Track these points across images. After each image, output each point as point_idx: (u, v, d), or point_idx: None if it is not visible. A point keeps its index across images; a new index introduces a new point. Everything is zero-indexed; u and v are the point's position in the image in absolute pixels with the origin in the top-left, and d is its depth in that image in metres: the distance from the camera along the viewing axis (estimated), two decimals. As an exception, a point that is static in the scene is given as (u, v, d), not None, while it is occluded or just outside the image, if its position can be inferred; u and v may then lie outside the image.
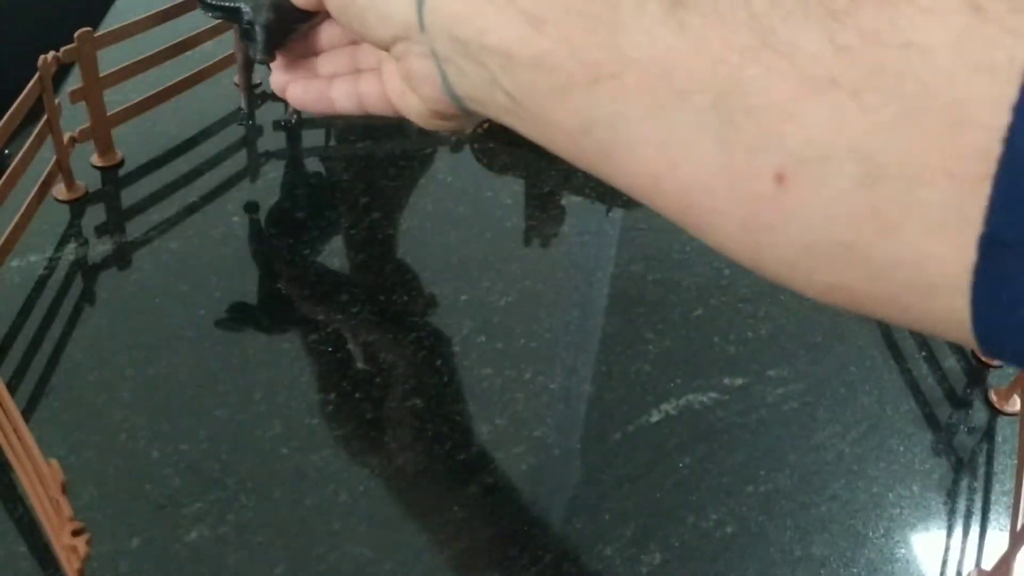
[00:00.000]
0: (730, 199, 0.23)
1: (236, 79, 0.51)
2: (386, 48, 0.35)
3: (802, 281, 0.23)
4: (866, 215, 0.20)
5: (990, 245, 0.18)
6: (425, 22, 0.31)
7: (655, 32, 0.24)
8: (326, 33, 0.42)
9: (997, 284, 0.19)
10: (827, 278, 0.22)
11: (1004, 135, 0.18)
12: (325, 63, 0.42)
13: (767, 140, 0.22)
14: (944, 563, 0.38)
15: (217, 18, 0.46)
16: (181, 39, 0.52)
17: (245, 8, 0.44)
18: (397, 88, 0.36)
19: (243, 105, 0.51)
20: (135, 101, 0.52)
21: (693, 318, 0.47)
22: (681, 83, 0.23)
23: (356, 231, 0.50)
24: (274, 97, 0.57)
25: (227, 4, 0.45)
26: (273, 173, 0.54)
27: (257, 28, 0.43)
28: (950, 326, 0.20)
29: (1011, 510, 0.40)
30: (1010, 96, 0.18)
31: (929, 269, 0.20)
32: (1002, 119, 0.18)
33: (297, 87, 0.42)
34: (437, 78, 0.32)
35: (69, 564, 0.27)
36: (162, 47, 0.51)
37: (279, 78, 0.42)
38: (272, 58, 0.43)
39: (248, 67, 0.49)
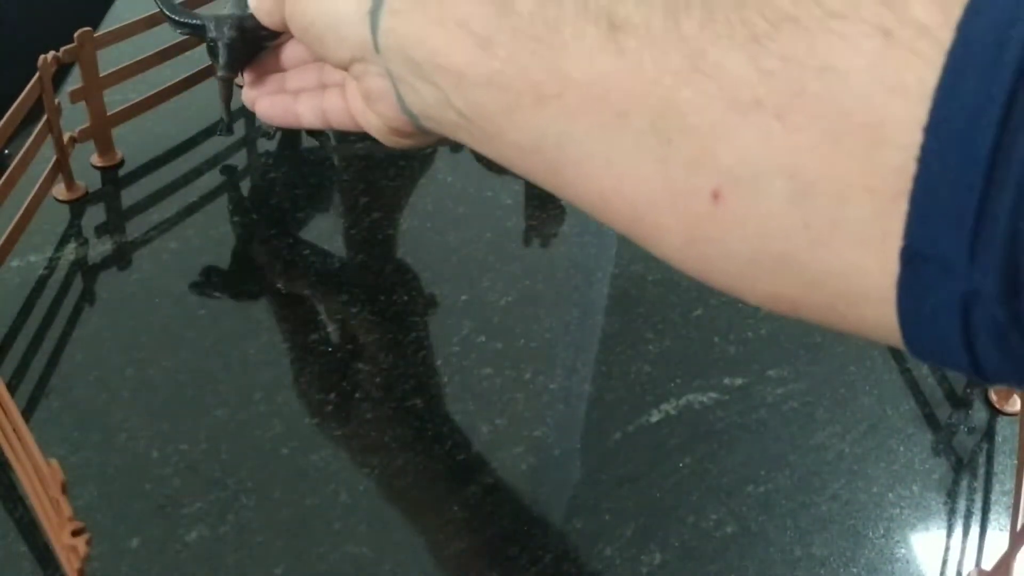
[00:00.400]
0: (672, 215, 0.24)
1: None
2: (345, 68, 0.36)
3: (746, 290, 0.24)
4: (798, 229, 0.21)
5: (910, 257, 0.19)
6: (380, 44, 0.32)
7: (594, 55, 0.25)
8: (294, 50, 0.44)
9: (919, 294, 0.20)
10: (768, 288, 0.23)
11: (917, 154, 0.18)
12: (292, 79, 0.44)
13: (703, 159, 0.22)
14: (944, 563, 0.38)
15: (184, 34, 0.47)
16: (181, 39, 0.52)
17: (209, 25, 0.45)
18: (359, 105, 0.38)
19: (222, 114, 0.52)
20: (135, 101, 0.52)
21: (693, 318, 0.47)
22: (620, 104, 0.24)
23: (356, 231, 0.50)
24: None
25: (193, 21, 0.46)
26: (273, 173, 0.54)
27: (220, 45, 0.44)
28: (882, 332, 0.21)
29: (1011, 510, 0.40)
30: (921, 117, 0.18)
31: (858, 280, 0.21)
32: (915, 138, 0.18)
33: (265, 101, 0.43)
34: (393, 97, 0.34)
35: (69, 564, 0.27)
36: (162, 47, 0.51)
37: (249, 93, 0.44)
38: (233, 74, 0.45)
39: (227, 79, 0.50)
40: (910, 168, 0.19)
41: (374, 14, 0.32)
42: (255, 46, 0.45)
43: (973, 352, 0.20)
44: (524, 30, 0.27)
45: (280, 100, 0.43)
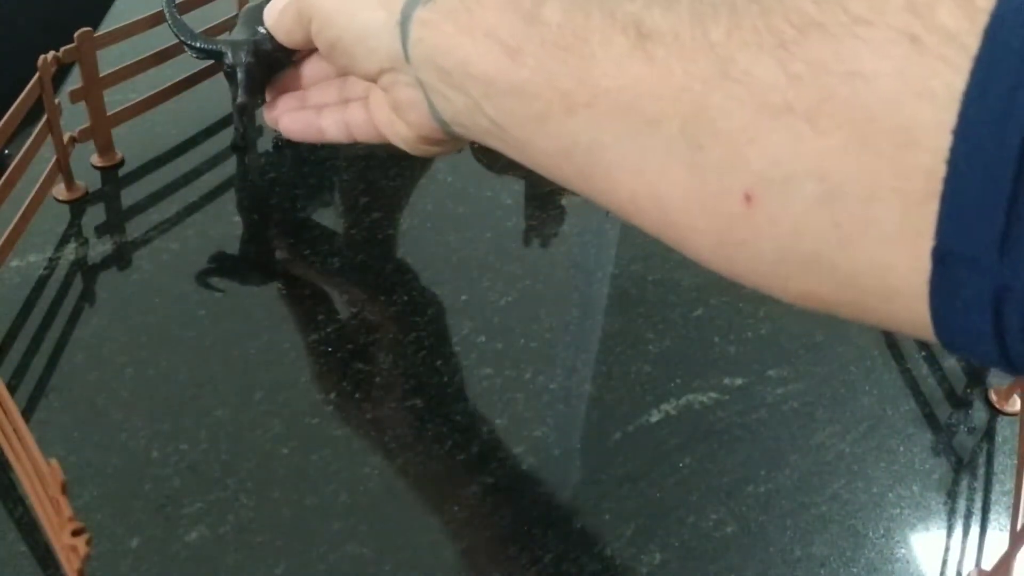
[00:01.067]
0: (704, 217, 0.25)
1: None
2: (373, 79, 0.37)
3: (777, 289, 0.25)
4: (828, 230, 0.22)
5: (942, 256, 0.20)
6: (410, 54, 0.33)
7: (623, 63, 0.25)
8: (314, 67, 0.45)
9: (951, 290, 0.20)
10: (799, 286, 0.24)
11: (947, 156, 0.19)
12: (314, 95, 0.45)
13: (734, 163, 0.23)
14: (944, 563, 0.38)
15: (201, 59, 0.48)
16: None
17: (227, 51, 0.45)
18: (384, 116, 0.38)
19: (236, 125, 0.52)
20: (135, 101, 0.52)
21: (693, 318, 0.47)
22: (650, 110, 0.25)
23: (356, 231, 0.50)
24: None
25: (211, 48, 0.46)
26: (273, 173, 0.54)
27: (238, 71, 0.45)
28: (914, 327, 0.22)
29: (1011, 510, 0.40)
30: (949, 121, 0.19)
31: (889, 277, 0.21)
32: (944, 142, 0.19)
33: (287, 118, 0.44)
34: (424, 105, 0.34)
35: (69, 564, 0.27)
36: (162, 47, 0.51)
37: (271, 110, 0.45)
38: (251, 100, 0.46)
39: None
40: (939, 170, 0.19)
41: (404, 25, 0.33)
42: (271, 69, 0.46)
43: (1004, 345, 0.20)
44: (552, 40, 0.27)
45: (303, 115, 0.44)
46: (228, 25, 0.53)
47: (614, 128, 0.26)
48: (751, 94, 0.22)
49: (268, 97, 0.46)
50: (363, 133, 0.41)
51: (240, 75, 0.45)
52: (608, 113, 0.26)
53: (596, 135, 0.26)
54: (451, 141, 0.36)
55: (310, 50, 0.44)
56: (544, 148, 0.29)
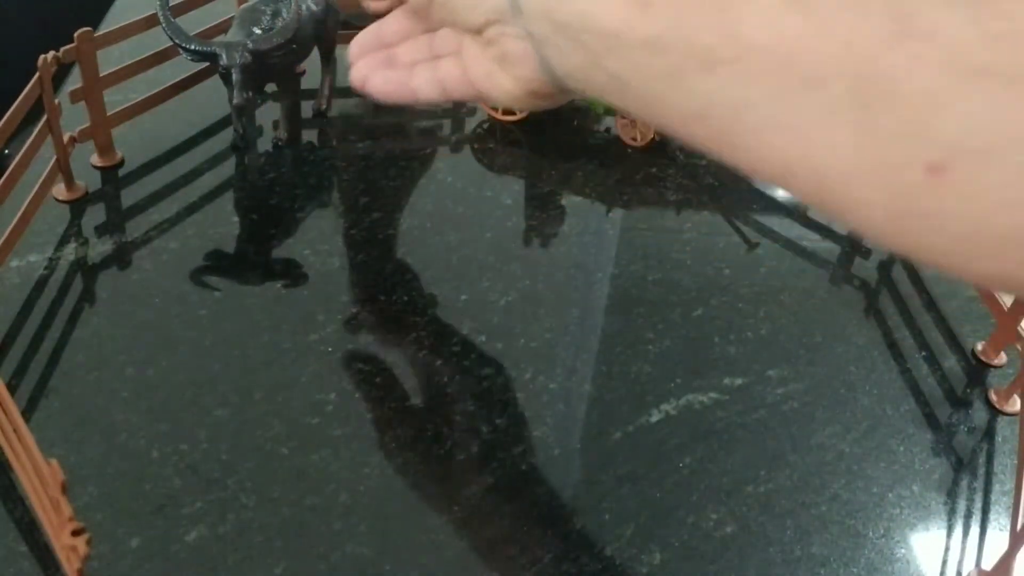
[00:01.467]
0: (873, 188, 0.23)
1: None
2: (478, 32, 0.35)
3: (958, 268, 0.23)
4: None
5: None
6: (522, 4, 0.31)
7: (775, 16, 0.23)
8: (397, 25, 0.41)
9: None
10: (988, 266, 0.22)
11: None
12: (403, 52, 0.41)
13: (916, 129, 0.21)
14: (944, 563, 0.38)
15: (196, 61, 0.48)
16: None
17: (221, 52, 0.45)
18: (483, 71, 0.36)
19: (235, 125, 0.52)
20: (135, 101, 0.52)
21: (693, 318, 0.47)
22: (810, 69, 0.23)
23: (356, 231, 0.50)
24: (273, 98, 0.57)
25: (206, 49, 0.46)
26: (273, 173, 0.54)
27: (233, 72, 0.45)
28: None
29: (1011, 510, 0.40)
30: None
31: None
32: None
33: (378, 79, 0.41)
34: (534, 59, 0.32)
35: (69, 564, 0.27)
36: (161, 47, 0.51)
37: (359, 71, 0.41)
38: (246, 101, 0.45)
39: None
40: None
41: None
42: (266, 70, 0.46)
43: None
44: None
45: (395, 75, 0.41)
46: (228, 25, 0.53)
47: (764, 87, 0.24)
48: (939, 54, 0.20)
49: (353, 56, 0.42)
50: (458, 90, 0.38)
51: (236, 76, 0.45)
52: (758, 71, 0.24)
53: (743, 94, 0.24)
54: (560, 94, 0.34)
55: (389, 6, 0.42)
56: (675, 105, 0.27)
